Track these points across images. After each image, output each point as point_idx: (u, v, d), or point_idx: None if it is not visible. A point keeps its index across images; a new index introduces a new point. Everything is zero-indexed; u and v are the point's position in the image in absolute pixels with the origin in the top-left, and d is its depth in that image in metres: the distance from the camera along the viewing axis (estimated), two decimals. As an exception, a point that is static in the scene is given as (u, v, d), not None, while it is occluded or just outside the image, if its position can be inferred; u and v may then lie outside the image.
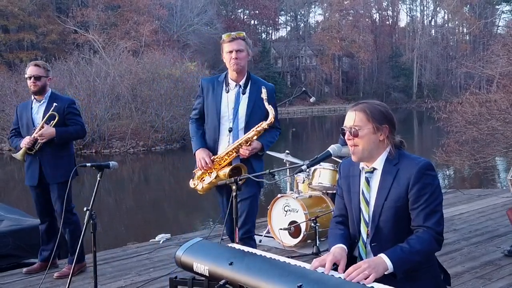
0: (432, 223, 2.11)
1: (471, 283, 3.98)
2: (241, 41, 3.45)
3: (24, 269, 4.58)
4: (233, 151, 3.44)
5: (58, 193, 4.35)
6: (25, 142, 4.31)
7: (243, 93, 3.51)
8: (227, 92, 3.53)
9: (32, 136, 4.30)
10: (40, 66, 4.43)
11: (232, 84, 3.54)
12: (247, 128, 3.47)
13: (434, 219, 2.12)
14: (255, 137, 3.42)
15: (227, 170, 3.40)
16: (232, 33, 3.50)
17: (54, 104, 4.34)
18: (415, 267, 2.11)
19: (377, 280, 1.93)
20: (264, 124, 3.41)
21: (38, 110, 4.47)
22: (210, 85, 3.61)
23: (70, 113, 4.44)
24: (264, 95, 3.41)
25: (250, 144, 3.42)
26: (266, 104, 3.40)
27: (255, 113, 3.49)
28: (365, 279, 1.90)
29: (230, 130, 3.49)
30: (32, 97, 4.52)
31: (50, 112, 4.33)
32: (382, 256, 2.04)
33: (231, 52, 3.43)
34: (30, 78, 4.38)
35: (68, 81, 22.96)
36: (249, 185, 3.41)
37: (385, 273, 2.00)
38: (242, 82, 3.52)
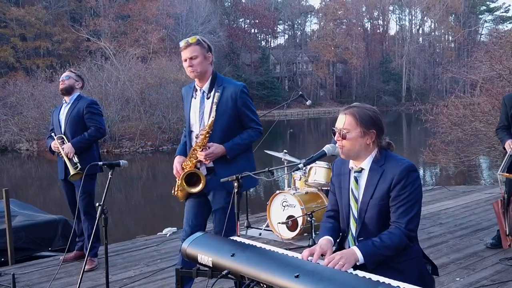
0: (405, 221, 2.12)
1: (456, 273, 3.97)
2: (195, 46, 3.10)
3: (61, 257, 4.56)
4: (192, 157, 3.14)
5: (78, 187, 4.32)
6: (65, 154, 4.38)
7: (207, 98, 3.17)
8: (195, 98, 3.23)
9: (65, 156, 4.36)
10: (72, 72, 4.66)
11: (198, 90, 3.23)
12: (213, 133, 3.10)
13: (407, 217, 2.12)
14: (203, 141, 3.08)
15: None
16: (187, 39, 3.15)
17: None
18: (397, 259, 2.12)
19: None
20: (204, 130, 3.08)
21: (64, 111, 4.53)
22: (185, 93, 3.34)
23: (88, 112, 4.47)
24: (215, 98, 3.08)
25: (206, 149, 3.08)
26: (213, 107, 3.07)
27: (219, 117, 3.10)
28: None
29: (196, 137, 3.17)
30: (63, 100, 4.61)
31: (57, 136, 4.45)
32: (354, 248, 2.06)
33: (185, 60, 3.12)
34: (61, 79, 4.56)
35: (81, 85, 22.97)
36: (216, 197, 3.16)
37: (357, 264, 2.01)
38: (205, 87, 3.18)
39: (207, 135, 3.09)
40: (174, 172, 3.25)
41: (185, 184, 3.14)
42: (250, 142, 3.23)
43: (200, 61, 3.11)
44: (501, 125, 4.47)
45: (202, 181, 3.11)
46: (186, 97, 3.31)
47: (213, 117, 3.06)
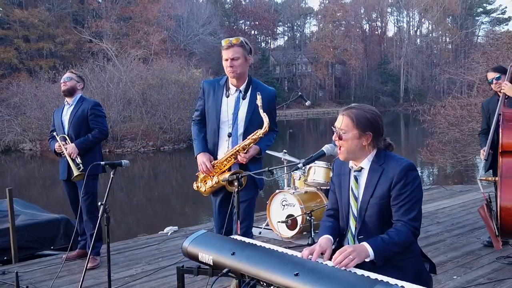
0: (410, 218, 2.13)
1: (453, 271, 3.97)
2: (238, 48, 3.15)
3: (63, 256, 4.55)
4: (231, 157, 3.20)
5: (81, 187, 4.32)
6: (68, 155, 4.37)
7: (243, 98, 3.22)
8: (227, 96, 3.24)
9: (68, 156, 4.35)
10: (73, 73, 4.60)
11: (232, 89, 3.25)
12: (246, 134, 3.20)
13: (411, 215, 2.13)
14: (251, 145, 3.17)
15: (226, 175, 3.11)
16: (230, 39, 3.19)
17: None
18: (397, 257, 2.12)
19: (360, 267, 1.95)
20: (259, 133, 3.15)
21: (67, 112, 4.52)
22: (211, 88, 3.31)
23: (92, 114, 4.46)
24: (259, 101, 3.10)
25: (247, 151, 3.18)
26: (260, 111, 3.10)
27: (254, 119, 3.19)
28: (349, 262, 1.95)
29: (229, 135, 3.22)
30: (65, 101, 4.58)
31: (60, 136, 4.44)
32: (365, 244, 2.07)
33: (227, 60, 3.16)
34: (63, 81, 4.54)
35: (83, 86, 22.95)
36: (246, 189, 3.20)
37: (366, 260, 2.02)
38: (242, 87, 3.24)
39: (257, 139, 3.17)
40: (204, 169, 3.26)
41: (227, 184, 3.15)
42: (272, 144, 3.36)
43: (241, 62, 3.17)
44: (482, 129, 4.65)
45: (243, 181, 3.08)
46: (214, 93, 3.30)
47: (267, 122, 3.13)
